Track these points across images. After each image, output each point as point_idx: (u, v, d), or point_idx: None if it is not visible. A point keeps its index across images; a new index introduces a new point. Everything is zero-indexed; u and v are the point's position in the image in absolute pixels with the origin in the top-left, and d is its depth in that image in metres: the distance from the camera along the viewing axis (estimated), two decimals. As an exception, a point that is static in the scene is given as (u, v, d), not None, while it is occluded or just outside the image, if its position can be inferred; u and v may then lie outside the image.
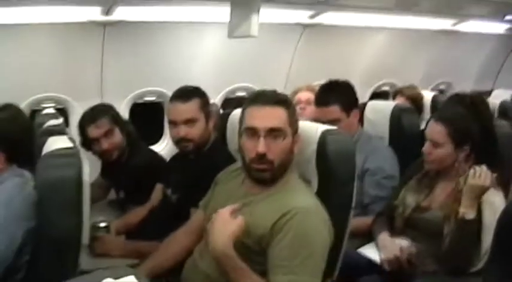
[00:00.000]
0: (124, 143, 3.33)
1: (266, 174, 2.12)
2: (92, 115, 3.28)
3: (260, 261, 2.02)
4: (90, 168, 2.13)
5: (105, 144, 3.25)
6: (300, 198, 2.07)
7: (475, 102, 3.18)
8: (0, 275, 2.07)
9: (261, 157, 2.08)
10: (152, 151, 3.68)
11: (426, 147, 2.69)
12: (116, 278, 0.95)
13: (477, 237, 2.48)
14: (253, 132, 2.10)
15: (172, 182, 2.93)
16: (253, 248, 2.04)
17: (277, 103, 2.13)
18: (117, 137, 3.29)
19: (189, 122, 2.74)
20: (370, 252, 2.72)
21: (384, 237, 2.73)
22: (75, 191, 1.91)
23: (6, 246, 2.07)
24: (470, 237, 2.48)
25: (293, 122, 2.15)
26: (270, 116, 2.11)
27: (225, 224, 2.02)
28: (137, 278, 0.94)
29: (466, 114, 2.80)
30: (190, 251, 2.36)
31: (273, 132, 2.09)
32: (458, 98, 3.28)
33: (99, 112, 3.29)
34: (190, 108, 2.75)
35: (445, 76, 5.75)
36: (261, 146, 2.07)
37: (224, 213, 2.05)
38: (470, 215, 2.46)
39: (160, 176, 3.10)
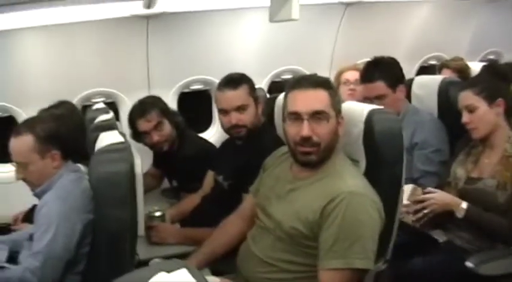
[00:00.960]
0: (174, 133, 3.39)
1: (312, 157, 2.12)
2: (141, 109, 3.34)
3: (311, 245, 2.04)
4: (141, 161, 2.18)
5: (155, 137, 3.32)
6: (348, 181, 2.06)
7: (504, 69, 3.18)
8: (63, 267, 2.16)
9: (306, 140, 2.08)
10: (202, 139, 3.73)
11: (464, 117, 2.70)
12: (169, 272, 0.98)
13: None
14: (296, 116, 2.10)
15: (224, 168, 2.96)
16: (305, 233, 2.05)
17: (319, 85, 2.13)
18: (167, 128, 3.35)
19: (240, 108, 2.76)
20: None
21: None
22: (128, 184, 1.96)
23: (67, 239, 2.14)
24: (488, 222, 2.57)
25: (335, 103, 2.14)
26: (312, 99, 2.10)
27: None
28: (189, 270, 0.97)
29: (489, 75, 2.83)
30: (243, 236, 2.40)
31: (317, 115, 2.08)
32: (488, 68, 3.29)
33: (148, 105, 3.35)
34: (240, 94, 2.77)
35: (494, 45, 5.58)
36: (305, 129, 2.07)
37: None
38: (459, 213, 2.58)
39: (211, 164, 3.14)
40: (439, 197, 2.64)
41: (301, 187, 2.16)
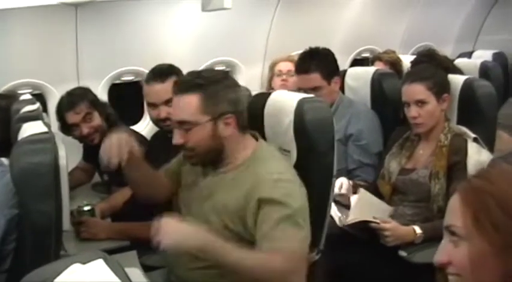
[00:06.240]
0: (104, 126, 3.30)
1: (194, 160, 2.15)
2: (69, 101, 3.25)
3: (243, 238, 2.01)
4: (72, 155, 2.10)
5: (85, 130, 3.23)
6: (268, 167, 2.03)
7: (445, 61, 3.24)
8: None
9: (181, 147, 2.11)
10: (133, 132, 3.65)
11: (412, 111, 2.69)
12: (84, 263, 0.93)
13: None
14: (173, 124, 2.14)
15: (155, 161, 2.90)
16: (235, 230, 2.02)
17: (189, 90, 2.07)
18: (97, 120, 3.26)
19: (169, 102, 2.69)
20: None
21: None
22: (51, 176, 1.88)
23: (-12, 235, 2.05)
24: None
25: (211, 106, 2.05)
26: (179, 107, 2.10)
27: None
28: (106, 261, 0.92)
29: (433, 66, 2.86)
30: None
31: (183, 125, 2.06)
32: (423, 57, 3.34)
33: (77, 97, 3.26)
34: (168, 88, 2.67)
35: (425, 39, 5.69)
36: (175, 137, 2.09)
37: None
38: (417, 240, 2.51)
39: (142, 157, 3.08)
40: (393, 230, 2.51)
41: (222, 183, 2.12)
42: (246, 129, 2.14)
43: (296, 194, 1.99)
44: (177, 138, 2.06)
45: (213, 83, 2.07)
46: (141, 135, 3.56)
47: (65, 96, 3.31)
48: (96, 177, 3.66)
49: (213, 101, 2.05)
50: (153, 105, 2.76)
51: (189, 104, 2.05)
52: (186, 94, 2.06)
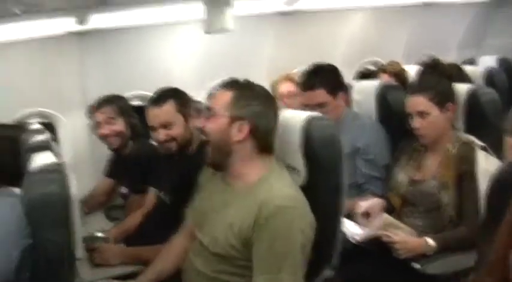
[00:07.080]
0: (127, 133, 3.45)
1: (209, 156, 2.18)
2: (100, 102, 3.46)
3: (247, 265, 2.02)
4: (76, 182, 2.11)
5: (104, 130, 3.40)
6: (278, 192, 2.02)
7: (448, 70, 3.24)
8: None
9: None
10: (154, 145, 3.72)
11: (415, 122, 2.70)
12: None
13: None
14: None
15: (163, 184, 2.93)
16: (239, 249, 2.02)
17: (226, 86, 2.20)
18: (119, 125, 3.43)
19: (167, 125, 2.79)
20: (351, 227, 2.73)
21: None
22: (62, 206, 1.90)
23: (3, 266, 2.06)
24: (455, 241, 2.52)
25: (236, 106, 2.13)
26: (214, 96, 2.25)
27: None
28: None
29: (437, 76, 2.86)
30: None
31: (208, 112, 2.19)
32: (426, 67, 3.34)
33: (107, 100, 3.47)
34: (164, 111, 2.80)
35: (429, 49, 5.68)
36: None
37: None
38: (431, 252, 2.50)
39: (151, 179, 3.10)
40: (403, 243, 2.52)
41: (235, 200, 2.13)
42: (267, 152, 2.17)
43: (297, 227, 1.98)
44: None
45: (245, 88, 2.18)
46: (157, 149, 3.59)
47: (99, 97, 3.50)
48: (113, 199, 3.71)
49: (240, 103, 2.13)
50: (152, 128, 2.85)
51: (222, 96, 2.15)
52: (223, 89, 2.18)
